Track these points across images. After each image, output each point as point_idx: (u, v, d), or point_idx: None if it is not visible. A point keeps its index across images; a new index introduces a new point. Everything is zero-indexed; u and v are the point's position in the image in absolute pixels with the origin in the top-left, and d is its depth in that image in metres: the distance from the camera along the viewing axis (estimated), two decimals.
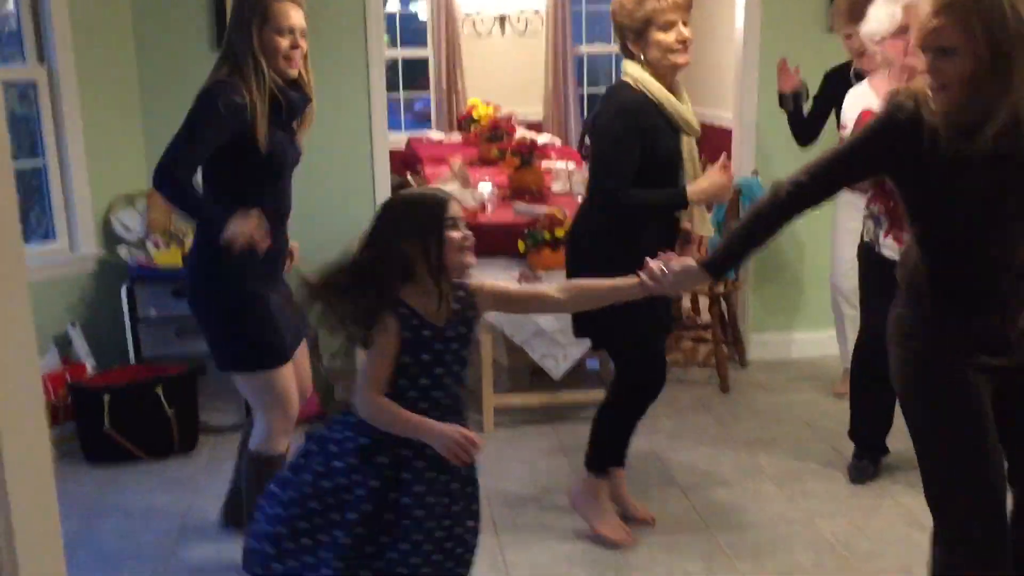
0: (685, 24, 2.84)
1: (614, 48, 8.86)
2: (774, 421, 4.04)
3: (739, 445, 3.82)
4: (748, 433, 3.94)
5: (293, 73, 2.72)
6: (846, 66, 3.87)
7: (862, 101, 3.24)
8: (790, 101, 3.98)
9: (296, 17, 2.68)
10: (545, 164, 5.27)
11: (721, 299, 4.47)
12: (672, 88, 2.91)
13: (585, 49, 8.77)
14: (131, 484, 3.54)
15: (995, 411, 2.06)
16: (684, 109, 2.91)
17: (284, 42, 2.66)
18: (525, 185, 4.68)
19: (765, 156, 4.42)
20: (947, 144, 1.91)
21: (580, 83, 8.69)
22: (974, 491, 2.02)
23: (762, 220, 2.17)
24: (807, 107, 4.00)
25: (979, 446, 2.02)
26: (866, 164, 2.12)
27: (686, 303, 5.08)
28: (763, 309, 4.70)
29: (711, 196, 2.91)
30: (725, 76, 6.56)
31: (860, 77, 3.65)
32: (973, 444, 2.02)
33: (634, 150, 2.82)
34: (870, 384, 3.41)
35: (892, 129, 2.00)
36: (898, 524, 3.19)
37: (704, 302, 4.69)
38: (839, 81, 3.84)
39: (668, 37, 2.82)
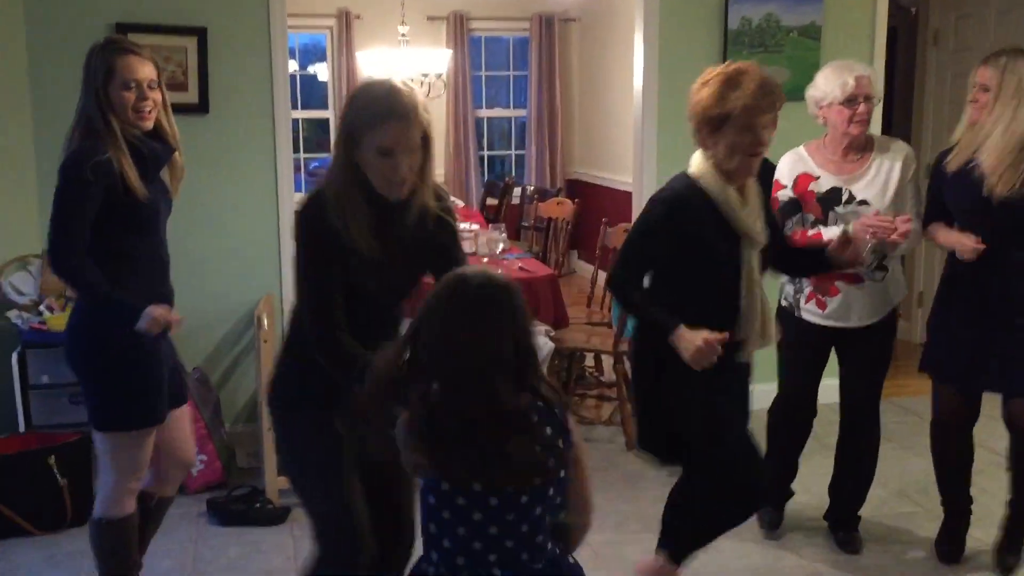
0: (768, 128, 2.57)
1: (512, 112, 9.07)
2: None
3: (647, 502, 3.87)
4: (656, 490, 3.99)
5: (147, 126, 2.70)
6: None
7: (800, 166, 3.26)
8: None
9: (143, 70, 2.67)
10: None
11: (624, 358, 4.55)
12: (741, 190, 2.66)
13: (485, 113, 8.94)
14: (21, 561, 3.36)
15: None
16: (745, 214, 2.63)
17: (131, 96, 2.65)
18: None
19: None
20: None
21: (480, 145, 8.84)
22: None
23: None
24: None
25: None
26: None
27: (589, 362, 5.15)
28: None
29: (689, 352, 2.53)
30: (625, 140, 6.78)
31: None
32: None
33: (656, 244, 2.65)
34: (784, 440, 3.49)
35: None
36: (800, 575, 3.29)
37: (608, 360, 4.77)
38: None
39: (743, 139, 2.55)
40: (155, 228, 2.78)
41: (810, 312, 3.29)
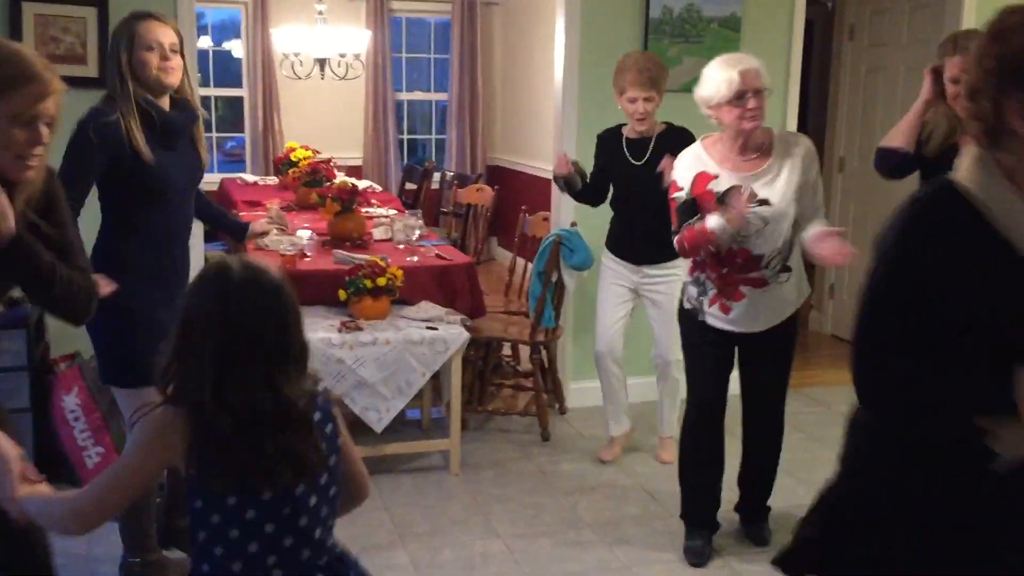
0: None
1: (433, 95, 8.94)
2: (594, 469, 4.10)
3: (560, 494, 3.85)
4: (569, 482, 3.97)
5: (172, 81, 2.82)
6: (618, 129, 3.98)
7: (698, 165, 3.13)
8: (562, 184, 4.04)
9: (163, 33, 2.80)
10: (366, 211, 5.19)
11: (541, 347, 4.52)
12: None
13: (404, 96, 8.80)
14: None
15: None
16: None
17: (153, 57, 2.78)
18: (346, 232, 4.58)
19: (584, 208, 4.50)
20: None
21: (400, 129, 8.71)
22: None
23: None
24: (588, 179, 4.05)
25: None
26: None
27: (506, 351, 5.11)
28: (581, 357, 4.78)
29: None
30: (546, 127, 6.74)
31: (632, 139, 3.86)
32: None
33: (910, 299, 1.58)
34: (702, 460, 3.36)
35: None
36: (712, 568, 3.28)
37: (524, 351, 4.73)
38: (613, 142, 3.95)
39: None
40: (163, 198, 2.85)
41: (714, 316, 3.17)
